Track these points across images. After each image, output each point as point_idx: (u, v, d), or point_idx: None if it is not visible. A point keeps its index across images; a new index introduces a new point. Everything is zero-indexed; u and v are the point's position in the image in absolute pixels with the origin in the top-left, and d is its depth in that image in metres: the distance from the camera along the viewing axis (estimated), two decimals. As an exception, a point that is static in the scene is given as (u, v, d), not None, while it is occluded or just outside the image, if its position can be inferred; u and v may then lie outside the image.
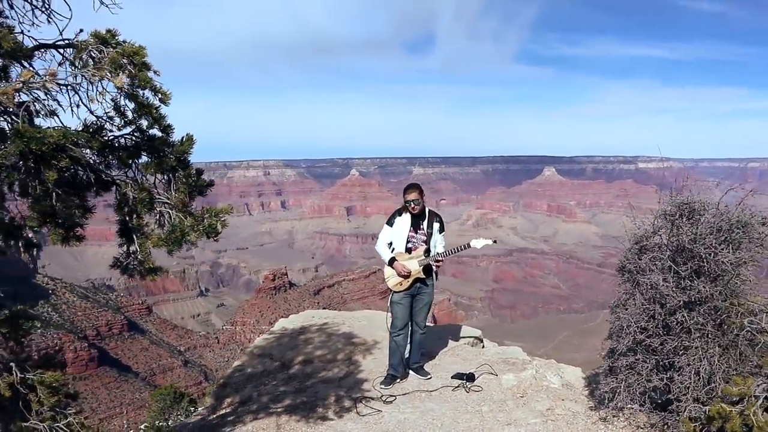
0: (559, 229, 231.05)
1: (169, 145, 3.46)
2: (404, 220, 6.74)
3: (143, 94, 3.28)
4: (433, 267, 6.76)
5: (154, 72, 3.35)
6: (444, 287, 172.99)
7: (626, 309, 5.25)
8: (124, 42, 3.32)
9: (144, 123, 3.41)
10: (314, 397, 6.50)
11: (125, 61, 3.14)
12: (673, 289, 4.81)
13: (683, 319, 4.68)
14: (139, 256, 3.57)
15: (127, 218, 3.56)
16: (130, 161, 3.43)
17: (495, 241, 6.95)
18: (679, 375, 4.71)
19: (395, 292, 6.74)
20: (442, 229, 6.87)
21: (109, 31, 3.28)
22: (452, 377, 6.92)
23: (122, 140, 3.44)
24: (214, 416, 6.53)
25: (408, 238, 6.72)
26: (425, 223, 6.75)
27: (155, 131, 3.46)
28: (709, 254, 4.62)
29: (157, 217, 3.50)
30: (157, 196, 3.49)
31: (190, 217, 3.48)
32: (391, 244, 6.81)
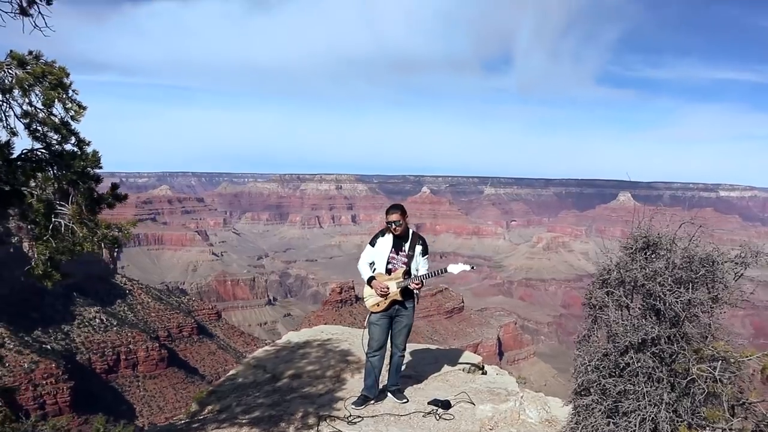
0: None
1: (76, 159, 3.61)
2: (386, 241, 6.70)
3: (48, 111, 3.44)
4: (414, 290, 6.67)
5: (73, 91, 3.51)
6: (511, 310, 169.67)
7: (585, 346, 4.99)
8: (46, 63, 3.50)
9: (54, 139, 3.57)
10: (283, 412, 6.52)
11: (35, 81, 3.31)
12: (627, 327, 4.53)
13: (631, 360, 4.40)
14: (32, 262, 3.72)
15: (30, 227, 3.72)
16: (33, 175, 3.59)
17: (473, 267, 6.77)
18: (624, 420, 4.41)
19: (373, 312, 6.69)
20: (425, 252, 6.78)
21: (31, 52, 3.47)
22: (428, 403, 6.77)
23: (35, 154, 3.62)
24: (184, 422, 6.66)
25: (389, 259, 6.66)
26: (407, 245, 6.68)
27: (69, 146, 3.62)
28: (662, 293, 4.33)
29: (51, 227, 3.63)
30: (58, 208, 3.63)
31: (84, 228, 3.60)
32: (372, 264, 6.77)
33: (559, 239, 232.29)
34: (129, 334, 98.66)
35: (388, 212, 6.67)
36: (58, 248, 3.62)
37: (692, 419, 4.24)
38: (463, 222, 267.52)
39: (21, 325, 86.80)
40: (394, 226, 6.58)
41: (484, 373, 8.81)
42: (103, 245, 3.72)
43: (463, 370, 8.39)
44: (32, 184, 3.61)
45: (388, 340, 6.80)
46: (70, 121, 3.55)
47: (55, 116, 3.53)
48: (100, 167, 3.75)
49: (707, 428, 4.05)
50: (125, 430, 13.76)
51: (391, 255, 6.66)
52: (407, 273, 6.60)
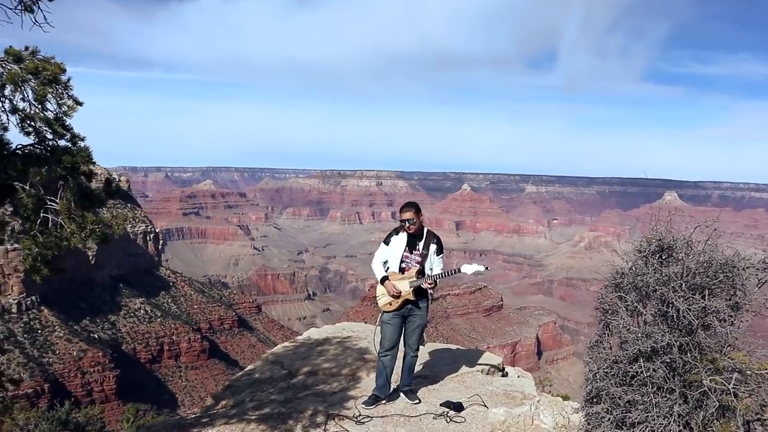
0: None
1: (66, 155, 3.61)
2: (400, 240, 6.58)
3: (41, 107, 3.45)
4: (426, 289, 6.53)
5: (65, 85, 3.51)
6: (551, 309, 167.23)
7: (596, 352, 4.78)
8: (43, 59, 3.51)
9: (48, 134, 3.58)
10: (293, 409, 6.48)
11: (29, 76, 3.32)
12: (638, 334, 4.30)
13: (640, 369, 4.17)
14: (21, 256, 3.73)
15: (21, 221, 3.74)
16: (26, 170, 3.60)
17: (487, 268, 6.59)
18: (632, 432, 4.19)
19: (385, 311, 6.58)
20: (440, 251, 6.63)
21: (27, 48, 3.49)
22: (440, 405, 6.63)
23: (28, 150, 3.64)
24: (195, 416, 6.69)
25: (402, 258, 6.55)
26: (421, 243, 6.56)
27: (64, 142, 3.63)
28: (675, 299, 4.09)
29: (39, 221, 3.64)
30: (48, 203, 3.64)
31: (73, 223, 3.60)
32: (386, 262, 6.67)
33: (602, 239, 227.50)
34: (172, 326, 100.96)
35: (401, 210, 6.55)
36: (45, 243, 3.64)
37: (704, 434, 4.00)
38: (504, 220, 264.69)
39: (70, 314, 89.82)
40: (407, 225, 6.46)
41: (504, 375, 8.61)
42: (91, 240, 3.71)
43: (481, 371, 8.21)
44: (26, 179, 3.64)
45: (401, 340, 6.69)
46: (63, 117, 3.56)
47: (50, 111, 3.54)
48: (93, 163, 3.76)
49: (719, 444, 3.81)
50: (155, 421, 14.01)
51: (404, 254, 6.55)
52: (421, 272, 6.47)
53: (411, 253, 6.54)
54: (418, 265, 6.49)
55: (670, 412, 4.06)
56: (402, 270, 6.53)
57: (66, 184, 3.69)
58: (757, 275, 4.37)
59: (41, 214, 3.61)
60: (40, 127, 3.57)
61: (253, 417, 6.25)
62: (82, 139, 3.73)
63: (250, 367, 8.71)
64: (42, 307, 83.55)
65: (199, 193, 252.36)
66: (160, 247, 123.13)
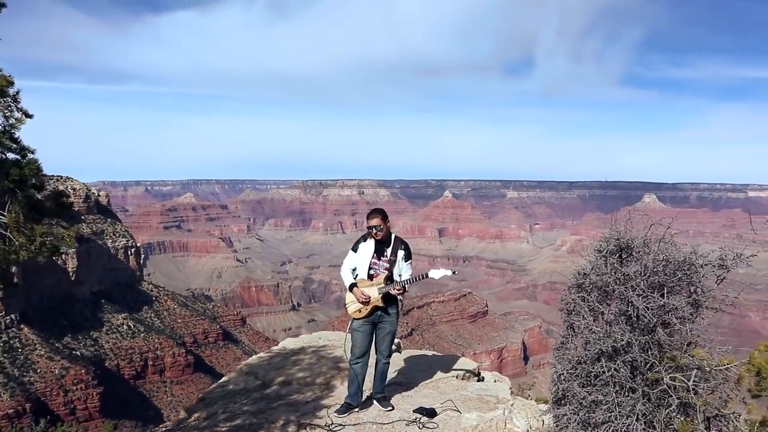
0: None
1: (13, 168, 3.57)
2: (368, 246, 6.58)
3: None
4: (396, 296, 6.52)
5: (14, 98, 3.47)
6: (536, 314, 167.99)
7: (561, 353, 4.79)
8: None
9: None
10: (265, 420, 6.41)
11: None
12: (600, 334, 4.32)
13: (602, 369, 4.19)
14: None
15: None
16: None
17: (455, 272, 6.60)
18: (596, 432, 4.20)
19: (355, 319, 6.56)
20: (408, 257, 6.62)
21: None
22: (413, 411, 6.60)
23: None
24: (165, 430, 6.59)
25: (370, 264, 6.53)
26: (389, 250, 6.55)
27: (13, 154, 3.58)
28: (633, 298, 4.12)
29: None
30: (-1, 217, 3.58)
31: (22, 236, 3.55)
32: (355, 269, 6.65)
33: (584, 242, 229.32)
34: (156, 340, 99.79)
35: (368, 217, 6.55)
36: (-9, 257, 3.58)
37: None
38: (486, 226, 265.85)
39: (51, 332, 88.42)
40: (375, 231, 6.45)
41: (481, 380, 8.60)
42: (41, 253, 3.66)
43: (456, 376, 8.19)
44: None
45: (372, 347, 6.66)
46: (11, 129, 3.51)
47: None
48: (42, 175, 3.71)
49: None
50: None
51: (372, 260, 6.54)
52: (389, 278, 6.46)
53: (379, 259, 6.53)
54: (387, 272, 6.47)
55: (633, 411, 4.08)
56: (370, 277, 6.52)
57: (14, 197, 3.63)
58: (715, 272, 4.41)
59: (-12, 229, 3.55)
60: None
61: (224, 428, 6.17)
62: (32, 152, 3.68)
63: (224, 378, 8.62)
64: (22, 326, 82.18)
65: (180, 206, 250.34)
66: (141, 261, 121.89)
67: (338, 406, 6.65)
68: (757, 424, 4.05)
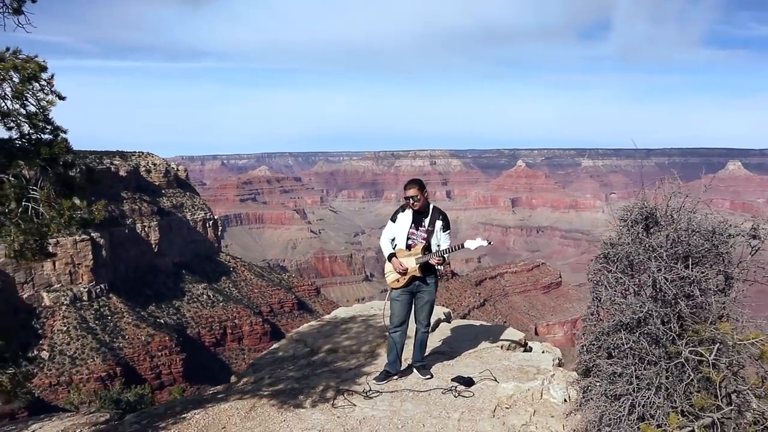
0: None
1: (44, 147, 3.86)
2: (406, 217, 6.66)
3: (20, 103, 3.72)
4: (435, 265, 6.58)
5: (48, 81, 3.76)
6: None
7: (587, 324, 4.75)
8: (27, 58, 3.76)
9: (26, 127, 3.85)
10: (305, 385, 6.68)
11: (9, 74, 3.57)
12: (621, 305, 4.25)
13: (621, 341, 4.13)
14: (5, 244, 4.01)
15: (5, 210, 4.01)
16: (9, 162, 3.87)
17: (490, 242, 6.57)
18: (613, 405, 4.16)
19: (393, 288, 6.68)
20: (446, 227, 6.65)
21: (8, 48, 3.74)
22: (452, 380, 6.69)
23: (12, 143, 3.92)
24: (212, 392, 6.99)
25: (408, 234, 6.62)
26: (427, 220, 6.60)
27: (46, 135, 3.89)
28: (654, 269, 4.02)
29: (19, 210, 3.89)
30: (31, 192, 3.90)
31: (52, 210, 3.84)
32: (394, 240, 6.76)
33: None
34: (234, 310, 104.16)
35: (405, 187, 6.60)
36: (27, 230, 3.90)
37: (686, 407, 3.93)
38: (560, 195, 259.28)
39: (137, 300, 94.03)
40: (412, 201, 6.51)
41: (528, 350, 8.57)
42: (71, 226, 3.96)
43: (501, 347, 8.20)
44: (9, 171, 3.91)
45: (411, 316, 6.78)
46: (44, 111, 3.81)
47: (32, 105, 3.80)
48: (72, 153, 4.00)
49: (701, 417, 3.74)
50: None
51: (410, 231, 6.61)
52: (427, 248, 6.53)
53: (417, 229, 6.60)
54: (424, 242, 6.54)
55: (652, 384, 4.01)
56: (408, 247, 6.61)
57: (45, 174, 3.95)
58: (749, 243, 4.23)
59: (23, 203, 3.88)
60: (20, 121, 3.84)
61: (266, 392, 6.48)
62: (65, 132, 3.99)
63: (275, 345, 9.00)
64: (111, 295, 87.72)
65: (255, 179, 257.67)
66: (219, 233, 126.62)
67: (378, 374, 6.84)
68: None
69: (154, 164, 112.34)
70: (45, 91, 3.89)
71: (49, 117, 3.91)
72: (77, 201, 3.90)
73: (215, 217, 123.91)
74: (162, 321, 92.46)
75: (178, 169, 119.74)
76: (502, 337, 8.50)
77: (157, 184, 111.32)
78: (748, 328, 4.09)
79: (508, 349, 8.25)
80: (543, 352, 8.81)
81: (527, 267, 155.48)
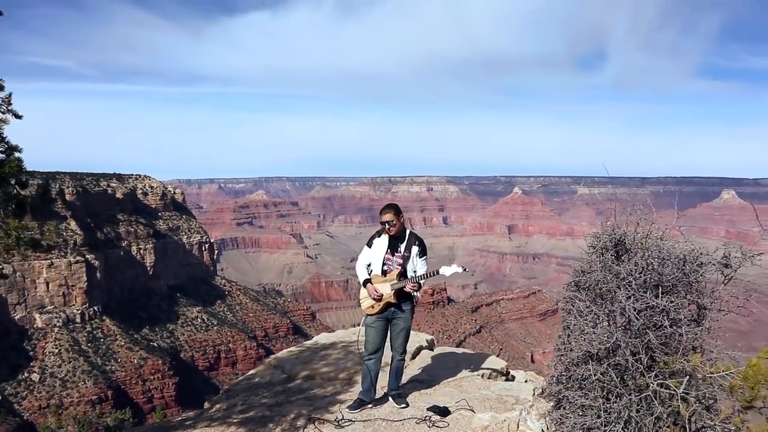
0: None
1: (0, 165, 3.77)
2: (382, 242, 6.54)
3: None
4: (410, 292, 6.45)
5: (3, 100, 3.68)
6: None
7: (558, 354, 4.61)
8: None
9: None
10: (277, 413, 6.50)
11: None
12: (590, 335, 4.12)
13: (589, 372, 4.00)
14: None
15: None
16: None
17: (465, 269, 6.45)
18: (582, 437, 4.01)
19: (368, 315, 6.54)
20: (423, 253, 6.54)
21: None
22: (427, 409, 6.52)
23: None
24: (180, 419, 6.80)
25: (384, 260, 6.50)
26: (403, 245, 6.49)
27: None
28: (622, 298, 3.91)
29: None
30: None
31: (0, 230, 3.73)
32: (370, 265, 6.64)
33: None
34: (228, 333, 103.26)
35: (381, 212, 6.50)
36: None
37: (655, 440, 3.79)
38: (556, 223, 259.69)
39: (131, 323, 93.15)
40: (387, 227, 6.41)
41: (510, 379, 8.40)
42: (19, 247, 3.84)
43: (482, 375, 8.03)
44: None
45: (386, 344, 6.63)
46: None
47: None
48: (23, 172, 3.90)
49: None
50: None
51: (386, 256, 6.50)
52: (402, 274, 6.41)
53: (393, 255, 6.49)
54: (400, 267, 6.42)
55: (620, 417, 3.87)
56: (384, 273, 6.49)
57: (-4, 194, 3.85)
58: (722, 272, 4.13)
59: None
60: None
61: (235, 420, 6.31)
62: (19, 151, 3.89)
63: (252, 371, 8.81)
64: (104, 317, 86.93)
65: (252, 203, 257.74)
66: (215, 256, 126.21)
67: (352, 402, 6.66)
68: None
69: (151, 187, 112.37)
70: (1, 110, 3.82)
71: (3, 135, 3.82)
72: (26, 222, 3.79)
73: (211, 241, 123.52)
74: (155, 344, 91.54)
75: (174, 192, 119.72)
76: (483, 366, 8.33)
77: (153, 206, 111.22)
78: (721, 360, 3.98)
79: (489, 378, 8.08)
80: (526, 381, 8.64)
81: (523, 294, 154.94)
